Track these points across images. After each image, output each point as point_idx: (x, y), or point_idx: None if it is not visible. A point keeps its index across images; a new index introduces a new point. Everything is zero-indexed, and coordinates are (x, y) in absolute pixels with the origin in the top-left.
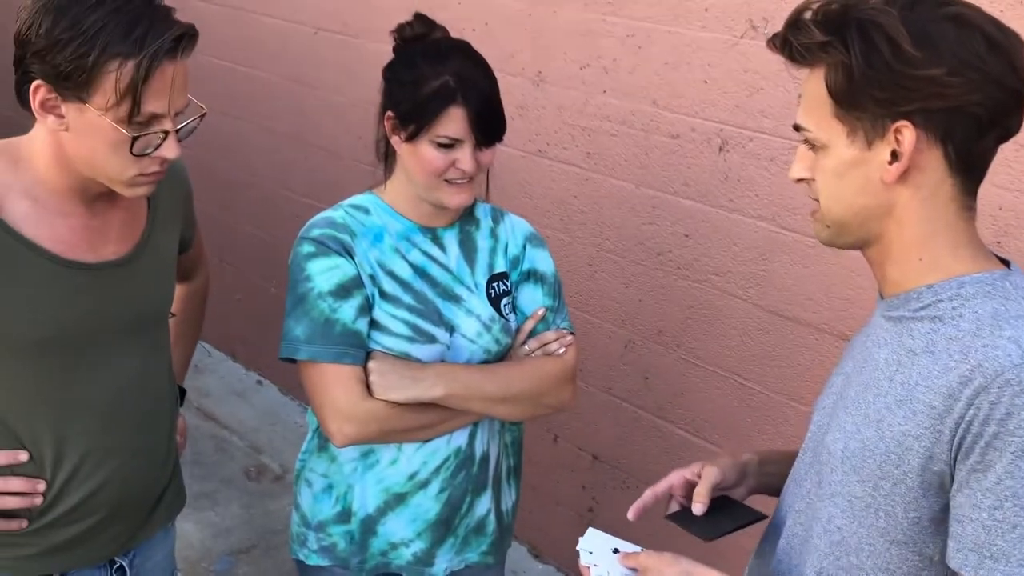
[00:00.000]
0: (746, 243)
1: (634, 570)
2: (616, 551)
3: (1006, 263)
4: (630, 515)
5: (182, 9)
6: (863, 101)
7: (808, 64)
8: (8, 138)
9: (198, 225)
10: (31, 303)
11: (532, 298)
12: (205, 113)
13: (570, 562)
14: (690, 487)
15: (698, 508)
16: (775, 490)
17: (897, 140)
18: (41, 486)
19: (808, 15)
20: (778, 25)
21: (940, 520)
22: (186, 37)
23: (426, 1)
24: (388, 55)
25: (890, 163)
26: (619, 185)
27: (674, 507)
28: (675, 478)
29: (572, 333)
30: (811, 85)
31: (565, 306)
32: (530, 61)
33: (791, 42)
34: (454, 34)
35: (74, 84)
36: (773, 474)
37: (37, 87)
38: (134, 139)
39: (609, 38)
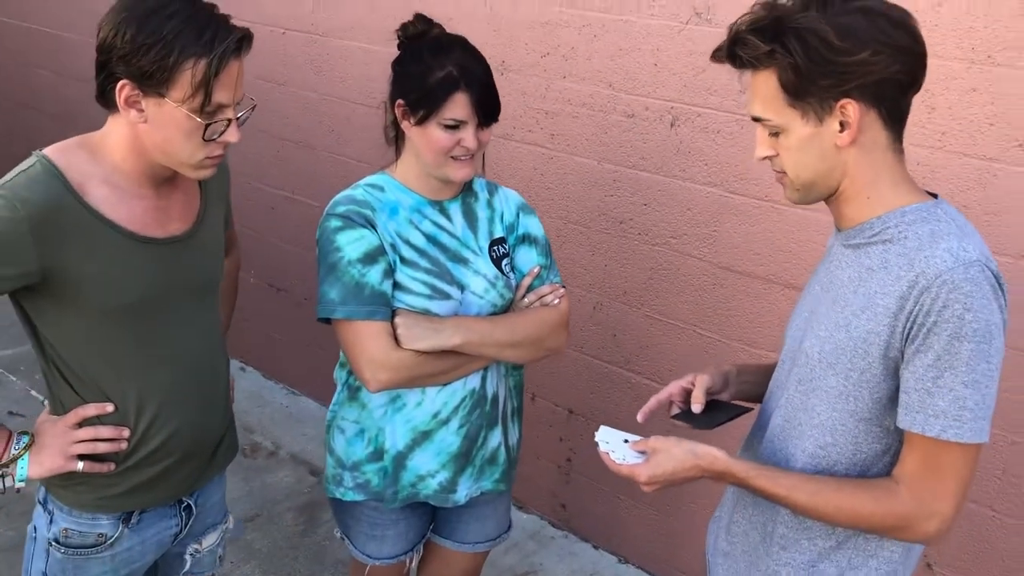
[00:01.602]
0: (699, 208)
1: (643, 453)
2: (626, 441)
3: (934, 195)
4: (639, 418)
5: None
6: (811, 89)
7: (754, 69)
8: (84, 134)
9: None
10: (115, 274)
11: (528, 258)
12: (255, 105)
13: (553, 511)
14: (687, 393)
15: (697, 407)
16: (749, 396)
17: (843, 113)
18: (126, 432)
19: (744, 30)
20: (719, 11)
21: (894, 397)
22: (246, 39)
23: (393, 2)
24: (355, 51)
25: (840, 131)
26: (582, 162)
27: (675, 410)
28: (674, 387)
29: (563, 286)
30: (760, 84)
31: (555, 264)
32: (494, 52)
33: (738, 55)
34: None
35: (156, 81)
36: (748, 382)
37: (123, 86)
38: (206, 126)
39: (567, 28)
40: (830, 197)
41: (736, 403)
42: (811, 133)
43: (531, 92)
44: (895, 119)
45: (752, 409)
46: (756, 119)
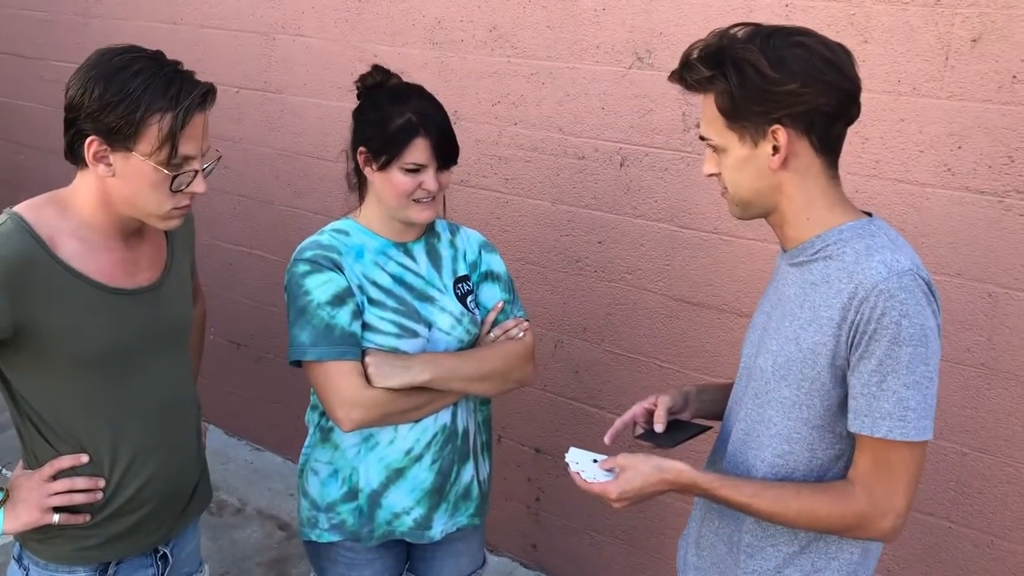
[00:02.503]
0: (651, 243)
1: (611, 471)
2: (595, 461)
3: (869, 214)
4: (606, 440)
5: None
6: (745, 114)
7: (701, 91)
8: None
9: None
10: (86, 325)
11: (491, 294)
12: (220, 156)
13: (524, 552)
14: (650, 414)
15: (659, 427)
16: (709, 413)
17: (775, 138)
18: (101, 483)
19: (694, 55)
20: (659, 55)
21: (843, 404)
22: (211, 92)
23: (345, 57)
24: (310, 107)
25: (773, 155)
26: (536, 204)
27: (639, 431)
28: (637, 408)
29: (527, 320)
30: (706, 106)
31: (519, 298)
32: (446, 102)
33: (685, 78)
34: None
35: (123, 136)
36: (707, 400)
37: (91, 142)
38: (173, 177)
39: (515, 77)
40: (773, 218)
41: (697, 422)
42: (747, 155)
43: (484, 139)
44: (826, 148)
45: (711, 427)
46: (702, 138)
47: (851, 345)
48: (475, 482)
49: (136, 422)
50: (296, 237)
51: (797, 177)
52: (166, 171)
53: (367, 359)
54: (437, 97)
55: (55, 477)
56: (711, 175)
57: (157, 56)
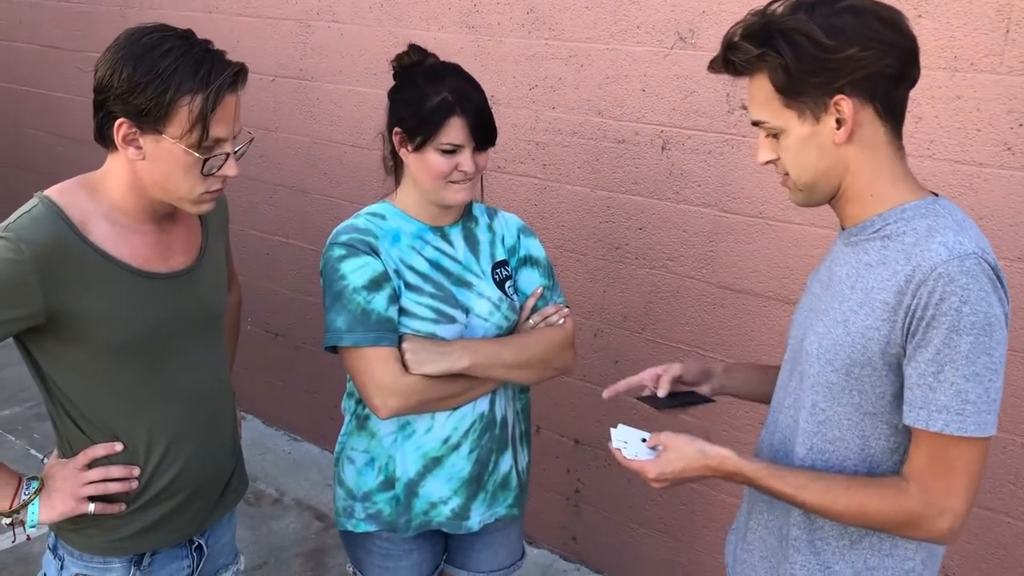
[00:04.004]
0: (694, 229)
1: (655, 449)
2: (644, 440)
3: (935, 195)
4: (605, 394)
5: None
6: (804, 88)
7: (749, 74)
8: (83, 174)
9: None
10: (121, 311)
11: (531, 279)
12: (253, 139)
13: (564, 545)
14: (658, 379)
15: (661, 392)
16: (742, 393)
17: (838, 110)
18: (136, 471)
19: (736, 37)
20: (702, 35)
21: (899, 394)
22: (242, 72)
23: (380, 42)
24: (345, 94)
25: (837, 129)
26: (575, 190)
27: (647, 393)
28: (647, 372)
29: (567, 306)
30: (756, 88)
31: (558, 284)
32: (482, 86)
33: (732, 60)
34: None
35: (153, 119)
36: (738, 379)
37: (120, 124)
38: (204, 161)
39: (553, 60)
40: (834, 198)
41: (701, 393)
42: (809, 132)
43: (521, 124)
44: (891, 114)
45: (715, 401)
46: (756, 123)
47: (907, 332)
48: (514, 472)
49: (171, 410)
50: (331, 226)
51: (863, 150)
52: (197, 154)
53: (404, 345)
54: None
55: (90, 466)
56: (768, 163)
57: (187, 35)
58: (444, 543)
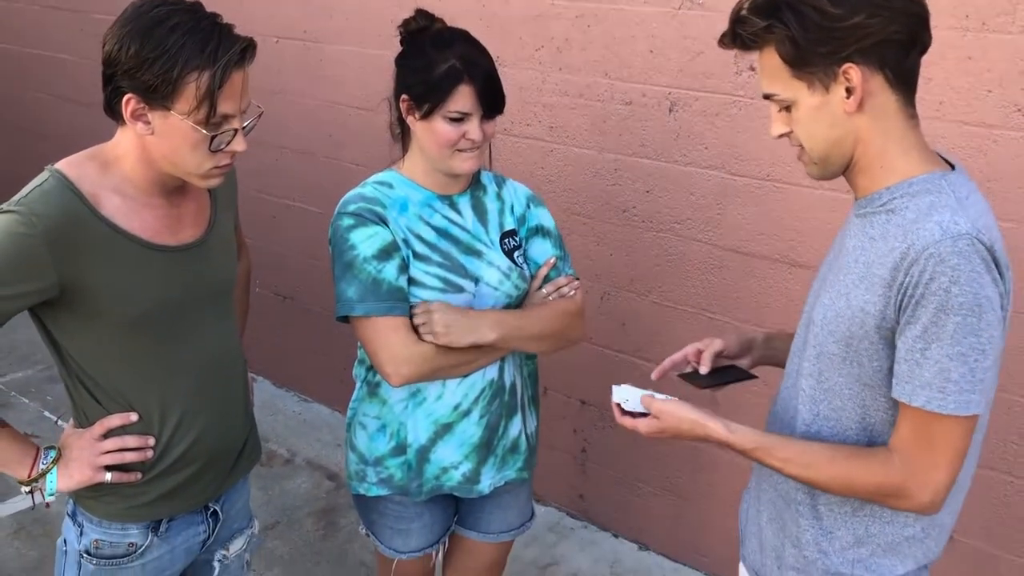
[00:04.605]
0: (701, 192)
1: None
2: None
3: (952, 166)
4: (653, 375)
5: None
6: (811, 58)
7: (757, 47)
8: (91, 147)
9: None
10: (132, 283)
11: (542, 249)
12: (263, 112)
13: (571, 503)
14: (700, 354)
15: (703, 368)
16: (780, 363)
17: (847, 79)
18: (152, 441)
19: (744, 11)
20: None
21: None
22: (250, 48)
23: (385, 3)
24: (350, 56)
25: (847, 98)
26: (582, 153)
27: (688, 369)
28: (689, 348)
29: (577, 278)
30: (765, 61)
31: (568, 255)
32: (488, 47)
33: (740, 34)
34: None
35: (161, 95)
36: (778, 348)
37: (128, 100)
38: (212, 137)
39: (559, 20)
40: (847, 169)
41: (744, 368)
42: (819, 102)
43: (527, 86)
44: (902, 81)
45: (756, 377)
46: (767, 96)
47: (899, 308)
48: (523, 436)
49: (184, 380)
50: (338, 190)
51: (874, 120)
52: (204, 131)
53: (436, 316)
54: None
55: (105, 436)
56: (782, 135)
57: (194, 8)
58: (455, 505)
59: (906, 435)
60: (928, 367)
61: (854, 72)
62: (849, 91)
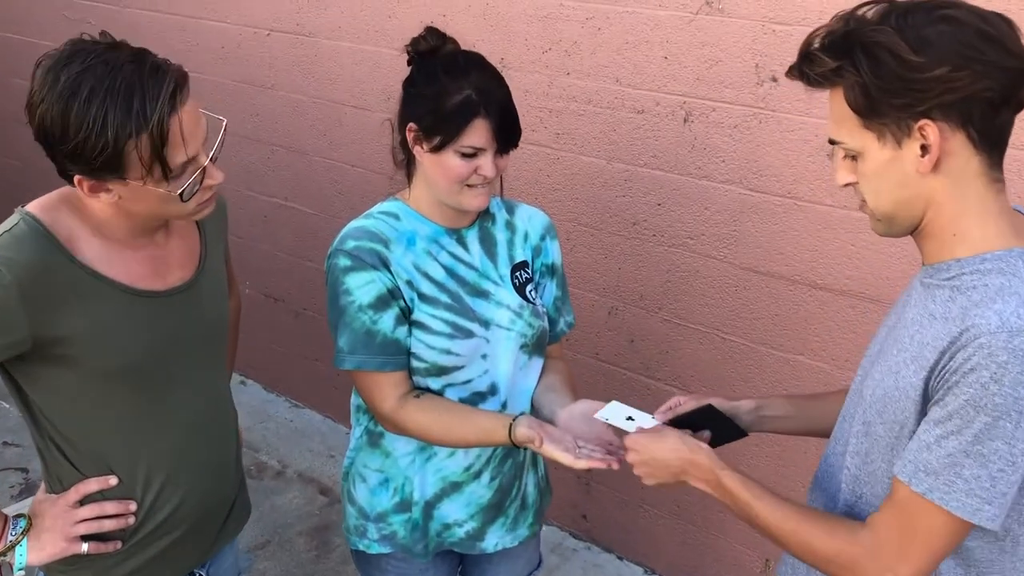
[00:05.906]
0: (717, 207)
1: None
2: (630, 419)
3: None
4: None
5: (128, 22)
6: (883, 110)
7: (827, 86)
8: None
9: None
10: (114, 334)
11: (549, 291)
12: (226, 124)
13: (574, 523)
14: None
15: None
16: (779, 430)
17: (923, 136)
18: (133, 506)
19: (816, 45)
20: (730, 0)
21: None
22: (179, 86)
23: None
24: (344, 51)
25: (921, 156)
26: (590, 161)
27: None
28: (672, 400)
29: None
30: (835, 103)
31: (568, 296)
32: (492, 48)
33: (807, 73)
34: (413, 27)
35: (108, 170)
36: (776, 417)
37: (79, 181)
38: (181, 192)
39: (568, 22)
40: (915, 231)
41: (736, 425)
42: (889, 158)
43: (533, 90)
44: (988, 142)
45: (745, 435)
46: (832, 142)
47: (934, 390)
48: (535, 490)
49: (169, 438)
50: (331, 190)
51: (951, 183)
52: (167, 189)
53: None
54: (482, 44)
55: (82, 502)
56: (847, 185)
57: (108, 57)
58: (460, 558)
59: (888, 513)
60: (938, 456)
61: (931, 130)
62: (924, 149)
